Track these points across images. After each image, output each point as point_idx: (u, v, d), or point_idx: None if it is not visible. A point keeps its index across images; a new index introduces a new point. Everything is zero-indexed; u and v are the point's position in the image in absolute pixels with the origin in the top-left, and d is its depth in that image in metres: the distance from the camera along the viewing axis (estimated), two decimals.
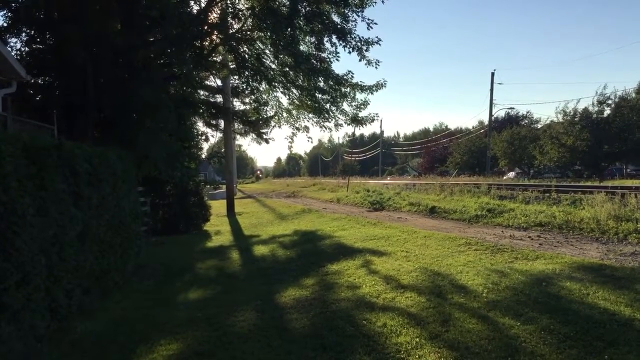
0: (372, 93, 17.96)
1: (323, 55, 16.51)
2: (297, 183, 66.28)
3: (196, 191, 20.99)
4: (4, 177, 5.24)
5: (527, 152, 51.87)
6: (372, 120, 19.30)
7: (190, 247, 15.59)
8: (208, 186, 26.82)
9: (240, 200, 40.13)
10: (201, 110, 20.22)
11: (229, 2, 16.67)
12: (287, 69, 17.59)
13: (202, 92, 21.29)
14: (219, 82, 21.75)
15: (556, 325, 5.53)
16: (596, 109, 42.23)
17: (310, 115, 19.81)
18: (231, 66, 19.02)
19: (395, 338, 5.61)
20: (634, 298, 6.29)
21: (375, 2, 15.22)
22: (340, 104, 18.61)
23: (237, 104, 23.32)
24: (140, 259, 11.59)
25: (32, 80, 13.33)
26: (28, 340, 5.51)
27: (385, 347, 5.40)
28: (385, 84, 17.47)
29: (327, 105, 18.69)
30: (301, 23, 15.36)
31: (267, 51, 17.79)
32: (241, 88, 20.31)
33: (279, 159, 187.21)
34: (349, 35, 15.27)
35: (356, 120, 19.10)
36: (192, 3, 16.07)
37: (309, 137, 34.73)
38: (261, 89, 19.37)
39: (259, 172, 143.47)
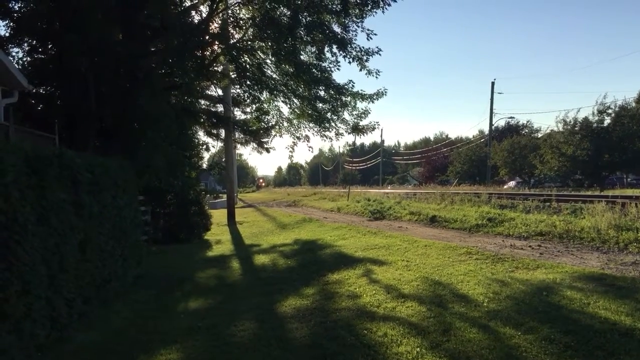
0: (372, 102, 18.04)
1: (324, 64, 16.58)
2: (298, 192, 66.29)
3: (197, 200, 21.00)
4: (6, 186, 5.26)
5: (528, 162, 51.95)
6: (373, 129, 19.37)
7: (191, 256, 15.57)
8: (209, 195, 26.84)
9: (241, 209, 40.13)
10: (202, 120, 20.29)
11: (230, 12, 16.77)
12: (288, 79, 17.65)
13: (203, 102, 21.39)
14: (219, 92, 21.83)
15: (557, 335, 5.52)
16: (596, 118, 42.42)
17: (311, 124, 19.87)
18: (232, 76, 19.09)
19: (396, 348, 5.60)
20: (635, 307, 6.27)
21: (376, 12, 15.29)
22: (340, 113, 18.67)
23: (238, 114, 23.45)
24: (141, 268, 11.59)
25: (34, 90, 13.39)
26: (29, 349, 5.51)
27: (386, 356, 5.39)
28: (385, 92, 17.54)
29: (328, 115, 18.75)
30: (302, 33, 15.42)
31: (268, 61, 17.87)
32: (242, 97, 20.39)
33: (279, 168, 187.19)
34: (349, 45, 15.34)
35: (357, 129, 19.15)
36: (193, 13, 16.18)
37: (310, 147, 34.65)
38: (262, 98, 19.42)
39: (261, 180, 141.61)
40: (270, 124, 21.50)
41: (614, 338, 5.33)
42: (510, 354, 5.15)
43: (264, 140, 22.43)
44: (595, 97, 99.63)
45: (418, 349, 5.48)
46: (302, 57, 16.90)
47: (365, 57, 15.58)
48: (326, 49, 15.89)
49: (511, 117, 70.41)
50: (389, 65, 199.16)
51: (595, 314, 6.15)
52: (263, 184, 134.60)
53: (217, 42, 16.44)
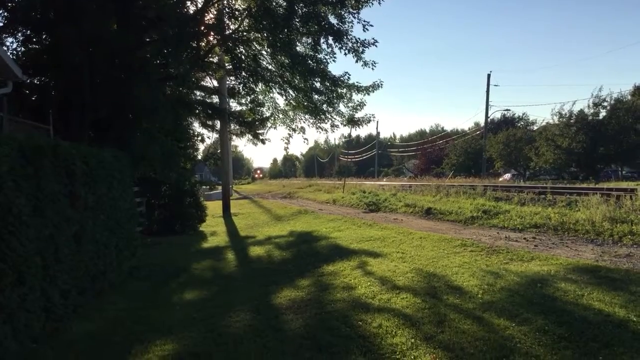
0: (368, 94, 17.95)
1: (319, 56, 16.49)
2: (293, 184, 66.23)
3: (192, 192, 20.96)
4: (0, 177, 5.23)
5: (523, 154, 51.98)
6: (369, 121, 19.32)
7: (186, 248, 15.58)
8: (204, 187, 26.82)
9: (236, 201, 40.09)
10: (197, 111, 20.19)
11: (225, 2, 16.67)
12: (284, 70, 17.56)
13: (198, 93, 21.25)
14: (215, 83, 21.74)
15: (551, 326, 5.55)
16: (592, 111, 42.40)
17: (307, 116, 19.82)
18: (227, 67, 19.00)
19: (391, 339, 5.62)
20: (629, 299, 6.31)
21: (372, 4, 15.23)
22: (336, 104, 18.60)
23: (234, 105, 23.35)
24: (136, 259, 11.58)
25: (28, 81, 13.28)
26: (24, 340, 5.50)
27: (381, 347, 5.41)
28: (381, 84, 17.47)
29: (324, 106, 18.68)
30: (298, 24, 15.33)
31: (263, 52, 17.75)
32: (237, 89, 20.26)
33: (275, 160, 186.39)
34: (345, 37, 15.26)
35: (352, 121, 19.10)
36: (188, 3, 16.03)
37: (305, 138, 34.98)
38: (257, 89, 19.35)
39: (258, 171, 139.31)
40: (265, 115, 21.42)
41: (608, 329, 5.36)
42: (505, 345, 5.18)
43: (260, 131, 22.36)
44: (590, 90, 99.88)
45: (413, 340, 5.50)
46: (297, 48, 16.82)
47: (361, 49, 15.51)
48: (322, 40, 15.81)
49: (507, 110, 70.76)
50: (385, 57, 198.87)
51: (590, 306, 6.18)
52: (260, 175, 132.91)
53: (212, 33, 16.35)
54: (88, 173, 8.08)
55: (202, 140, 23.92)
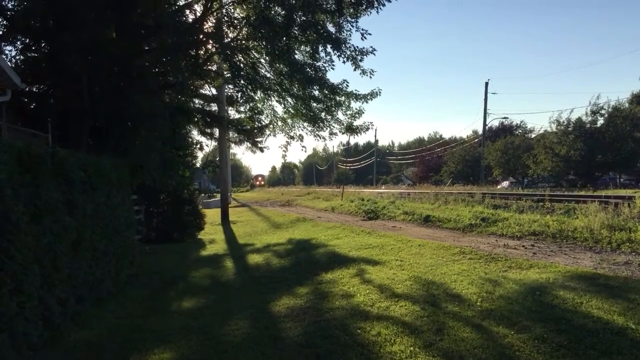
0: (366, 102, 17.98)
1: (318, 64, 16.53)
2: (292, 192, 66.19)
3: (190, 200, 20.96)
4: None
5: (521, 162, 51.99)
6: (367, 129, 19.35)
7: (185, 255, 15.55)
8: (202, 195, 26.82)
9: (234, 208, 40.06)
10: (196, 119, 20.20)
11: (224, 11, 16.71)
12: (282, 78, 17.58)
13: (197, 101, 21.27)
14: (213, 91, 21.78)
15: (550, 334, 5.55)
16: (589, 118, 42.47)
17: (305, 124, 19.83)
18: (226, 75, 19.02)
19: (390, 347, 5.61)
20: (627, 307, 6.30)
21: (370, 12, 15.27)
22: (335, 112, 18.62)
23: (232, 113, 23.36)
24: (134, 267, 11.57)
25: (27, 89, 13.29)
26: (21, 349, 5.48)
27: (380, 356, 5.40)
28: (379, 92, 17.51)
29: (322, 114, 18.70)
30: (296, 32, 15.37)
31: (262, 60, 17.79)
32: (236, 97, 20.28)
33: (273, 168, 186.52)
34: (343, 45, 15.30)
35: (351, 129, 19.12)
36: (187, 12, 16.07)
37: (304, 146, 35.03)
38: (256, 97, 19.34)
39: (260, 178, 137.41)
40: (264, 123, 21.45)
41: (607, 337, 5.35)
42: (504, 353, 5.17)
43: (258, 139, 22.44)
44: (588, 97, 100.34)
45: (411, 348, 5.49)
46: (296, 56, 16.84)
47: (359, 57, 15.56)
48: (320, 48, 15.84)
49: (505, 118, 70.64)
50: (383, 65, 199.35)
51: (588, 314, 6.18)
52: (262, 183, 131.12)
53: (211, 41, 16.39)
54: (87, 181, 8.08)
55: (201, 148, 23.91)
